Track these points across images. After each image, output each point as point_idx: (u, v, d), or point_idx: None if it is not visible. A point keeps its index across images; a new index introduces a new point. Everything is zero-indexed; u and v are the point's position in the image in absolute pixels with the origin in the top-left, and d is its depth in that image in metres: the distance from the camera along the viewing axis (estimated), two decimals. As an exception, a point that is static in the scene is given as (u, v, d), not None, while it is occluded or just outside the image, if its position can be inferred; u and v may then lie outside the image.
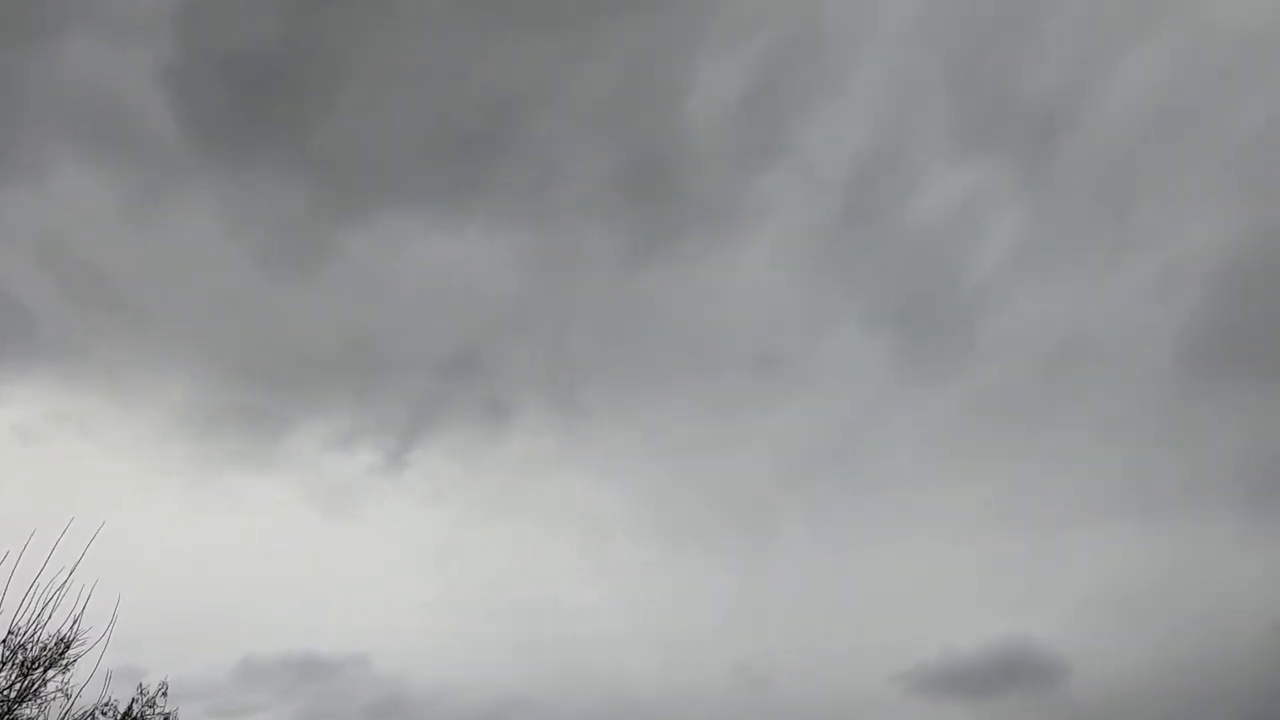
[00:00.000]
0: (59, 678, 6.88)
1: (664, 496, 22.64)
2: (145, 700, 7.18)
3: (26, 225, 19.65)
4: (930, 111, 18.93)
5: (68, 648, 6.95)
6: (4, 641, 6.74)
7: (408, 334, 23.80)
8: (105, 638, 7.04)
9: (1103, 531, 18.70)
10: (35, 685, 6.76)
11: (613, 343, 22.94)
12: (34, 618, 6.72)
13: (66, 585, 6.84)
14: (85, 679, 6.98)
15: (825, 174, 20.27)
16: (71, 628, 6.92)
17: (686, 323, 22.47)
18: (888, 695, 17.48)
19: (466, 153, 22.13)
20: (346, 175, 22.44)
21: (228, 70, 20.28)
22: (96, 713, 7.05)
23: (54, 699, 6.80)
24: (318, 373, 24.08)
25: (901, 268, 20.21)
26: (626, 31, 20.58)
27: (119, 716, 7.17)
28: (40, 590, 6.78)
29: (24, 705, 6.66)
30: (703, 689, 20.98)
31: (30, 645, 6.80)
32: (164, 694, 7.28)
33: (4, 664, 6.65)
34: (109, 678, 7.11)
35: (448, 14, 19.13)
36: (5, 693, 6.63)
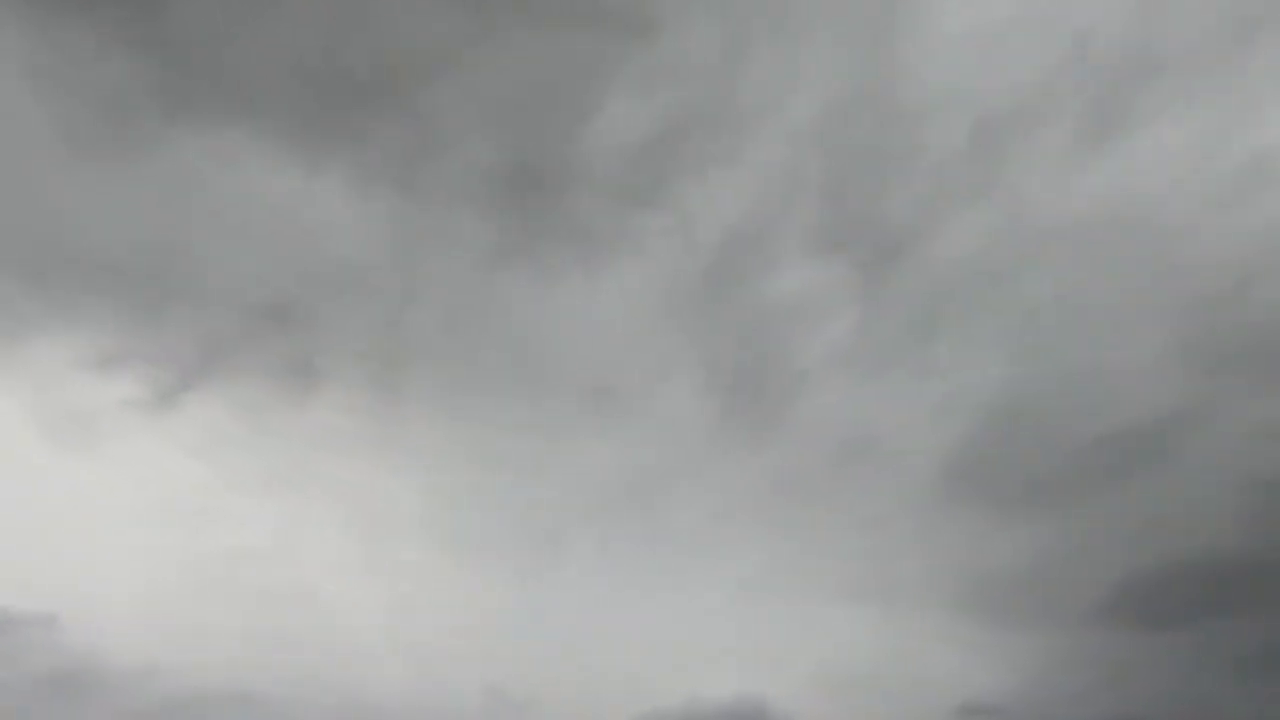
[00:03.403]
0: None
1: (463, 505, 21.50)
2: None
3: None
4: (803, 205, 20.43)
5: None
6: None
7: (222, 262, 20.71)
8: None
9: (845, 612, 20.64)
10: None
11: (453, 336, 21.64)
12: None
13: None
14: None
15: (699, 234, 21.00)
16: None
17: (532, 337, 21.85)
18: (626, 734, 17.93)
19: (347, 97, 20.10)
20: (201, 71, 19.35)
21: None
22: None
23: None
24: (91, 275, 20.11)
25: (743, 338, 21.33)
26: (550, 38, 20.12)
27: None
28: None
29: None
30: (452, 706, 19.92)
31: None
32: None
33: None
34: None
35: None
36: None
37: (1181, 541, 18.52)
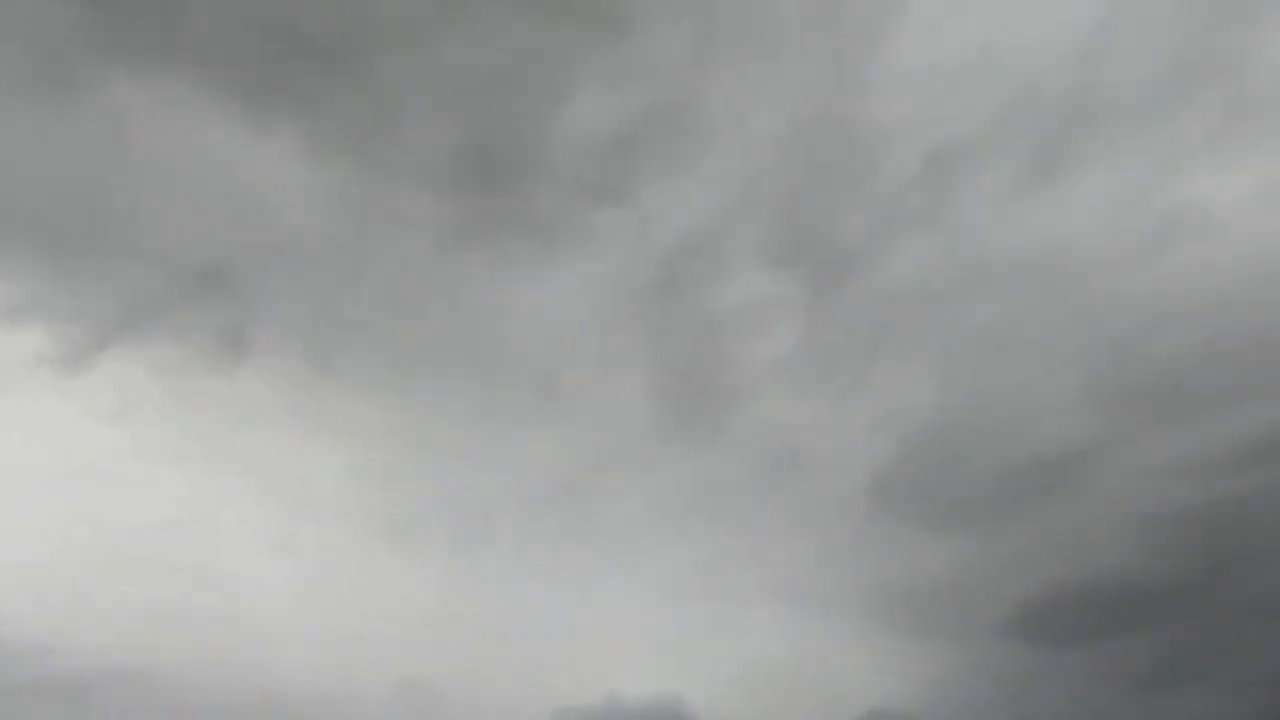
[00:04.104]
0: None
1: (391, 488, 20.90)
2: None
3: None
4: (759, 217, 20.75)
5: None
6: None
7: (154, 218, 19.52)
8: None
9: (766, 615, 21.05)
10: None
11: (396, 316, 21.00)
12: None
13: None
14: None
15: (656, 236, 21.06)
16: None
17: (478, 324, 21.43)
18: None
19: (306, 59, 19.28)
20: (145, 13, 18.23)
21: None
22: None
23: None
24: (5, 220, 18.67)
25: (690, 342, 21.48)
26: (521, 24, 19.81)
27: None
28: None
29: None
30: (362, 695, 19.36)
31: None
32: None
33: None
34: None
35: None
36: None
37: (1081, 565, 19.59)
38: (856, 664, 20.56)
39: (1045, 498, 19.90)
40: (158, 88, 19.01)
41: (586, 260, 20.80)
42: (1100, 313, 19.55)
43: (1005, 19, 18.86)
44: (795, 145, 19.72)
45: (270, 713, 18.30)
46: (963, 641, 20.19)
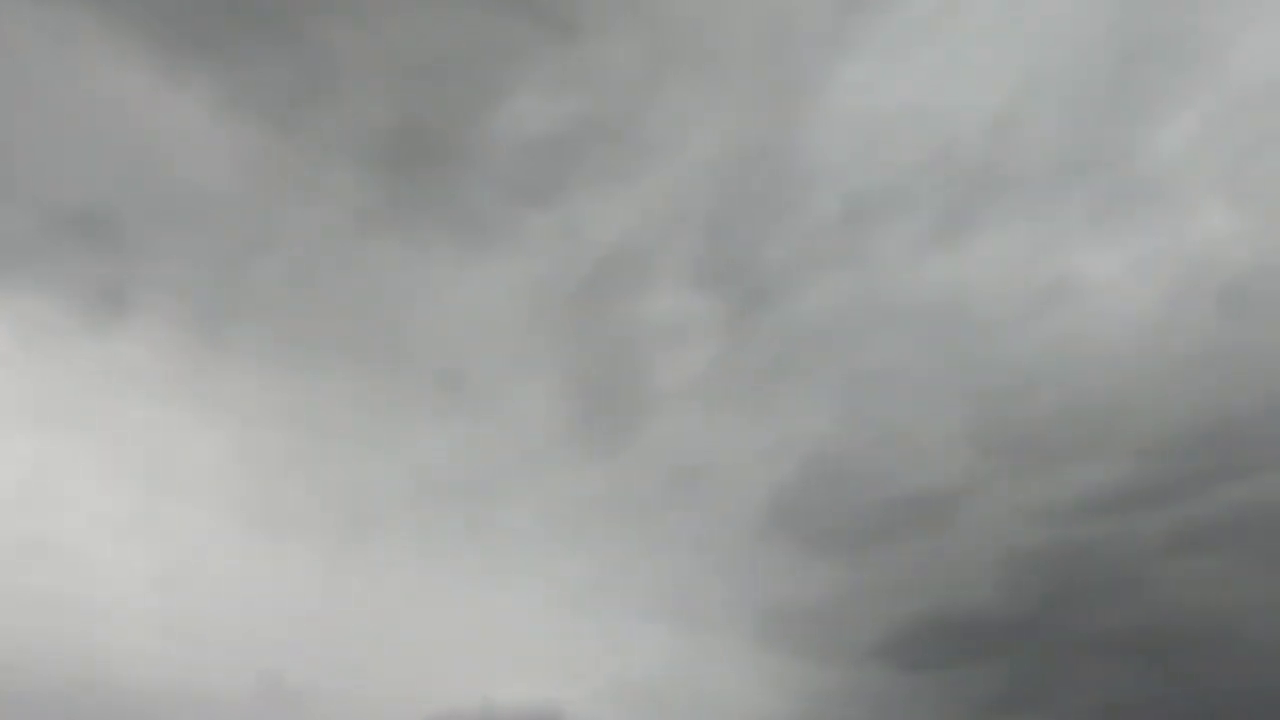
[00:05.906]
0: None
1: (273, 474, 19.63)
2: None
3: None
4: (686, 237, 21.12)
5: None
6: None
7: (32, 154, 17.57)
8: None
9: (650, 629, 21.22)
10: None
11: (299, 292, 19.83)
12: None
13: None
14: None
15: (582, 243, 21.00)
16: None
17: (388, 311, 20.57)
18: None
19: (234, 12, 18.05)
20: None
21: None
22: None
23: None
24: None
25: (605, 353, 21.48)
26: (475, 13, 19.41)
27: None
28: None
29: None
30: (214, 690, 17.99)
31: None
32: None
33: None
34: None
35: None
36: None
37: (943, 596, 20.93)
38: (735, 680, 21.02)
39: (918, 531, 21.14)
40: (53, 18, 17.21)
41: (509, 260, 20.45)
42: (984, 366, 21.08)
43: (930, 83, 20.21)
44: (727, 171, 20.24)
45: (101, 708, 16.64)
46: (836, 662, 21.06)
